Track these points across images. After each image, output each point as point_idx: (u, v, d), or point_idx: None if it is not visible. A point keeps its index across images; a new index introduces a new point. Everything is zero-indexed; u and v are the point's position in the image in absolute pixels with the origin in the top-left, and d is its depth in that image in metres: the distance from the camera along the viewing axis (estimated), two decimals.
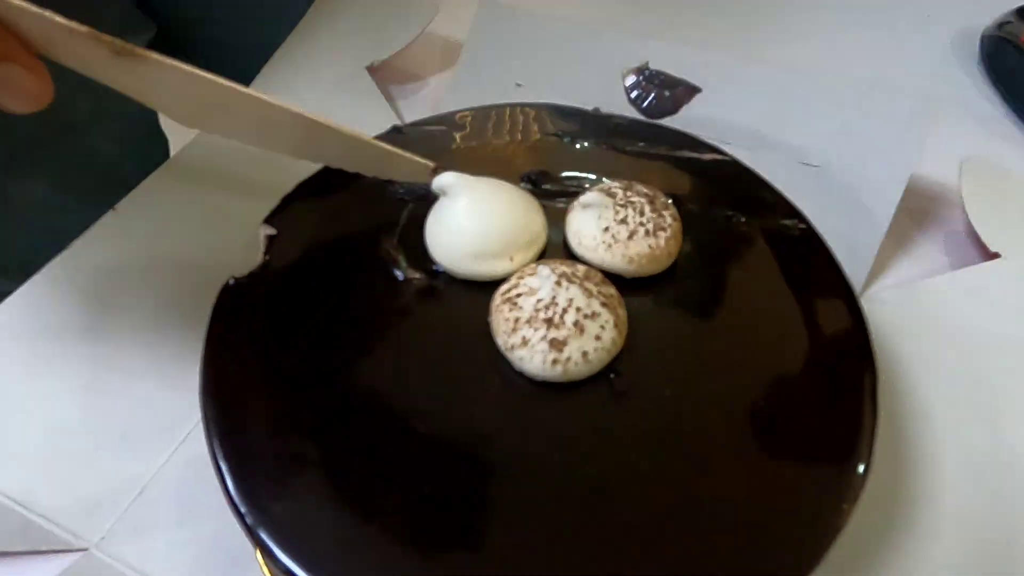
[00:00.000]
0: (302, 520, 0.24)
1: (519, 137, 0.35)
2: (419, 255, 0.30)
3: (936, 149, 0.37)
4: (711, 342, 0.28)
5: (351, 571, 0.23)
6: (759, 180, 0.33)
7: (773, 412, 0.26)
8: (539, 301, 0.26)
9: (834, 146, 0.39)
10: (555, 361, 0.25)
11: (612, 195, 0.29)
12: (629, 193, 0.29)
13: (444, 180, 0.29)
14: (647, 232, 0.28)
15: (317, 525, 0.24)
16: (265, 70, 0.46)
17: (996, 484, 0.30)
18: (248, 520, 0.24)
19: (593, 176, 0.33)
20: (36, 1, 0.20)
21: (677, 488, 0.25)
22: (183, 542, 0.30)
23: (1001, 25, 0.49)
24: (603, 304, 0.26)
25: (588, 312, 0.26)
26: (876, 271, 0.37)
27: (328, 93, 0.45)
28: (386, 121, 0.44)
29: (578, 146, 0.35)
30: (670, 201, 0.30)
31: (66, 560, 0.29)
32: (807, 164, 0.39)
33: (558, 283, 0.26)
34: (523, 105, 0.37)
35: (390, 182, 0.32)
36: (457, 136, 0.35)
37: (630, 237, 0.28)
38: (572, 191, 0.32)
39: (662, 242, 0.29)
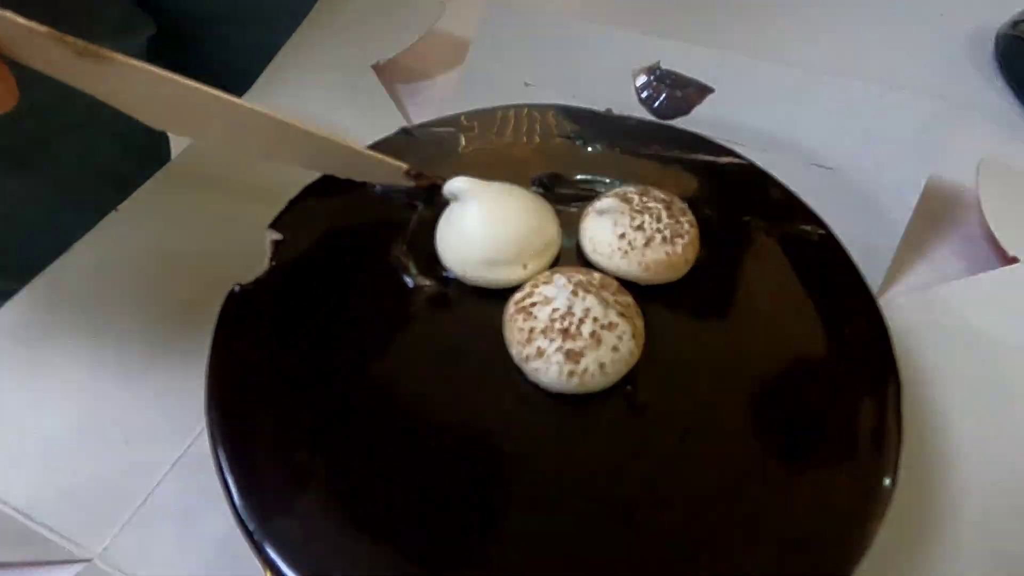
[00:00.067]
0: (310, 535, 0.23)
1: (530, 139, 0.35)
2: (429, 261, 0.29)
3: (951, 150, 0.36)
4: (729, 353, 0.27)
5: None
6: (777, 184, 0.32)
7: (794, 425, 0.25)
8: (555, 311, 0.25)
9: (849, 148, 0.38)
10: (571, 373, 0.25)
11: (628, 200, 0.29)
12: (645, 198, 0.29)
13: (455, 185, 0.28)
14: (664, 239, 0.28)
15: (325, 541, 0.23)
16: (268, 69, 0.46)
17: (1019, 495, 0.30)
18: (255, 536, 0.23)
19: (607, 179, 0.32)
20: None
21: (696, 505, 0.24)
22: (187, 553, 0.29)
23: (1016, 24, 0.48)
24: (620, 314, 0.26)
25: (605, 322, 0.25)
26: (891, 276, 0.37)
27: (333, 92, 0.45)
28: (392, 120, 0.43)
29: (590, 148, 0.34)
30: (687, 206, 0.30)
31: (69, 571, 0.29)
32: (821, 166, 0.38)
33: (574, 292, 0.26)
34: (534, 106, 0.36)
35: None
36: (466, 138, 0.35)
37: (647, 244, 0.28)
38: (585, 195, 0.32)
39: (679, 249, 0.28)
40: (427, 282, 0.29)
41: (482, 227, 0.28)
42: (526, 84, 0.43)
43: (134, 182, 0.41)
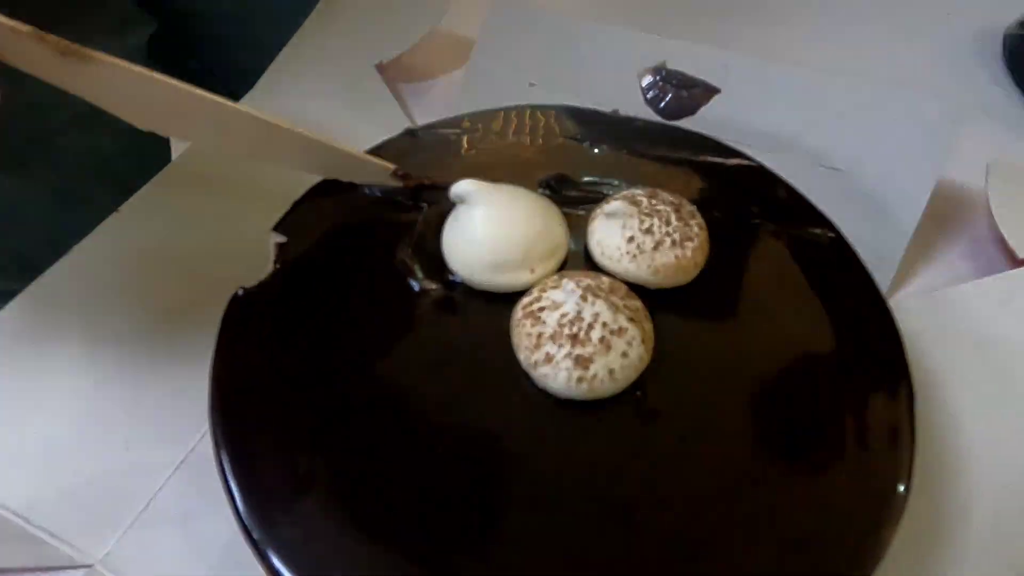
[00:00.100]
0: (313, 541, 0.23)
1: (537, 141, 0.34)
2: (435, 265, 0.29)
3: (960, 151, 0.36)
4: (740, 358, 0.27)
5: None
6: (787, 187, 0.32)
7: (806, 431, 0.25)
8: (563, 316, 0.25)
9: (857, 149, 0.38)
10: (580, 379, 0.25)
11: (637, 203, 0.28)
12: (654, 201, 0.28)
13: (462, 187, 0.28)
14: (673, 242, 0.27)
15: (329, 548, 0.23)
16: (271, 68, 0.46)
17: None
18: (258, 542, 0.23)
19: (614, 182, 0.32)
20: None
21: (707, 511, 0.24)
22: (189, 558, 0.29)
23: None
24: (630, 319, 0.25)
25: (615, 328, 0.25)
26: (900, 278, 0.37)
27: (336, 91, 0.44)
28: (395, 120, 0.43)
29: (597, 150, 0.34)
30: (696, 209, 0.29)
31: None
32: (830, 168, 0.38)
33: (583, 297, 0.25)
34: (539, 107, 0.36)
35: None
36: (472, 139, 0.34)
37: (656, 247, 0.27)
38: (592, 197, 0.31)
39: (689, 252, 0.28)
40: (433, 286, 0.29)
41: (489, 230, 0.28)
42: (531, 84, 0.42)
43: (134, 182, 0.41)
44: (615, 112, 0.36)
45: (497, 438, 0.25)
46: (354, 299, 0.29)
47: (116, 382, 0.33)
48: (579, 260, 0.30)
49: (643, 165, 0.33)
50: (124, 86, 0.23)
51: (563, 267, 0.29)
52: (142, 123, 0.24)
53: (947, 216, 0.39)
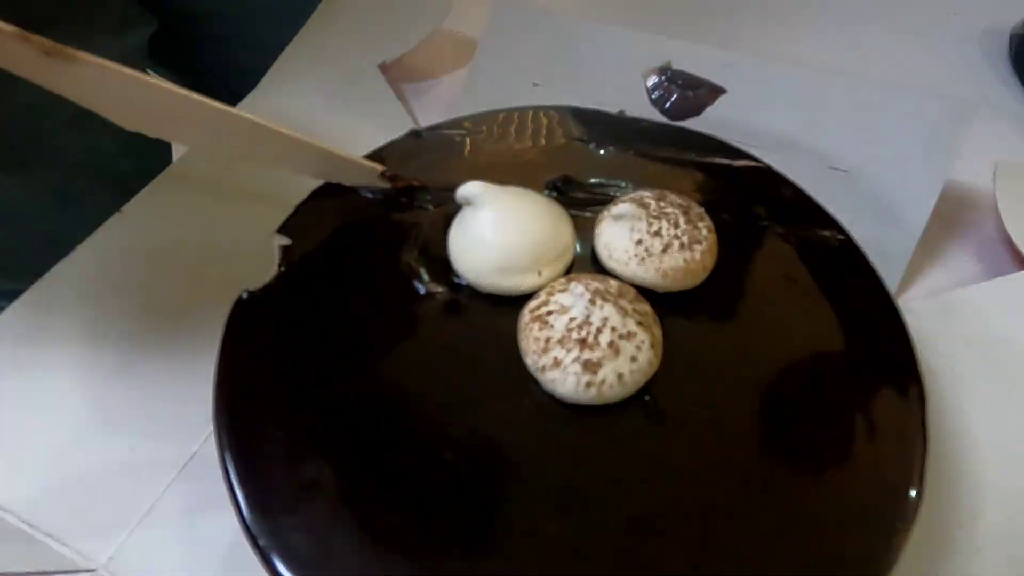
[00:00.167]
0: (318, 546, 0.23)
1: (542, 142, 0.34)
2: (441, 268, 0.29)
3: (966, 152, 0.36)
4: (749, 362, 0.27)
5: None
6: (795, 189, 0.32)
7: (817, 436, 0.25)
8: (572, 320, 0.25)
9: (864, 150, 0.37)
10: (589, 384, 0.24)
11: (645, 206, 0.28)
12: (663, 203, 0.28)
13: (469, 189, 0.28)
14: (682, 245, 0.27)
15: (335, 554, 0.23)
16: (273, 68, 0.45)
17: None
18: (263, 548, 0.23)
19: (621, 183, 0.32)
20: None
21: (717, 517, 0.23)
22: (193, 562, 0.29)
23: None
24: (638, 323, 0.25)
25: (623, 332, 0.25)
26: (907, 280, 0.36)
27: (338, 92, 0.44)
28: (398, 120, 0.43)
29: (603, 152, 0.34)
30: (704, 211, 0.29)
31: None
32: (836, 169, 0.38)
33: (592, 301, 0.25)
34: (545, 108, 0.35)
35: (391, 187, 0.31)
36: (477, 141, 0.34)
37: (664, 250, 0.27)
38: (599, 200, 0.31)
39: (698, 256, 0.27)
40: (439, 289, 0.29)
41: (496, 233, 0.27)
42: (534, 84, 0.42)
43: (134, 182, 0.41)
44: (621, 113, 0.35)
45: (504, 443, 0.25)
46: (359, 302, 0.29)
47: (119, 384, 0.33)
48: (586, 263, 0.30)
49: (650, 166, 0.33)
50: (110, 87, 0.23)
51: (570, 270, 0.29)
52: (129, 124, 0.24)
53: (954, 217, 0.39)
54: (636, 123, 0.35)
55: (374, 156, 0.33)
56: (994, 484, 0.30)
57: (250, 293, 0.28)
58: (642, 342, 0.25)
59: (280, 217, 0.31)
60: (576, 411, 0.25)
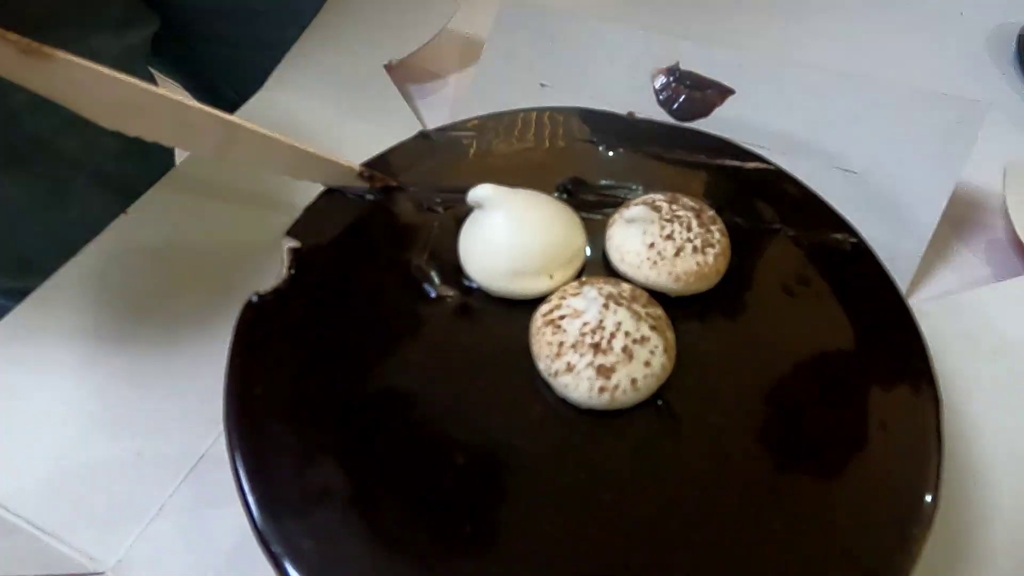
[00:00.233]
0: (329, 550, 0.23)
1: (552, 144, 0.34)
2: (452, 271, 0.29)
3: (975, 153, 0.35)
4: (762, 366, 0.27)
5: None
6: (806, 191, 0.31)
7: (831, 441, 0.25)
8: (585, 324, 0.25)
9: (874, 151, 0.37)
10: (603, 389, 0.24)
11: (657, 209, 0.28)
12: (675, 207, 0.28)
13: (480, 192, 0.27)
14: (695, 249, 0.27)
15: (347, 559, 0.23)
16: (278, 69, 0.45)
17: None
18: (277, 555, 0.23)
19: (632, 186, 0.32)
20: None
21: (731, 522, 0.23)
22: (201, 564, 0.29)
23: None
24: (652, 327, 0.25)
25: (637, 337, 0.24)
26: (916, 282, 0.36)
27: (344, 93, 0.44)
28: (404, 121, 0.43)
29: (613, 154, 0.34)
30: (716, 215, 0.29)
31: None
32: (845, 170, 0.38)
33: (605, 305, 0.25)
34: (554, 109, 0.35)
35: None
36: (486, 142, 0.34)
37: (677, 254, 0.27)
38: (610, 202, 0.31)
39: (710, 259, 0.27)
40: (450, 292, 0.28)
41: (508, 236, 0.27)
42: (542, 85, 0.42)
43: (135, 182, 0.41)
44: (631, 115, 0.35)
45: (515, 448, 0.25)
46: (369, 306, 0.28)
47: (126, 385, 0.33)
48: (596, 266, 0.29)
49: (661, 169, 0.33)
50: (86, 85, 0.23)
51: (581, 274, 0.29)
52: (107, 122, 0.25)
53: (963, 218, 0.39)
54: (646, 125, 0.35)
55: (383, 158, 0.33)
56: (1006, 486, 0.30)
57: (260, 296, 0.28)
58: (656, 347, 0.25)
59: (286, 219, 0.31)
60: (588, 416, 0.25)
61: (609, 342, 0.24)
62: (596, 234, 0.30)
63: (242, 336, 0.27)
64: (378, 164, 0.32)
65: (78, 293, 0.36)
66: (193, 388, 0.32)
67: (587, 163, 0.33)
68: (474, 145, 0.34)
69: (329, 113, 0.43)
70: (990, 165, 0.39)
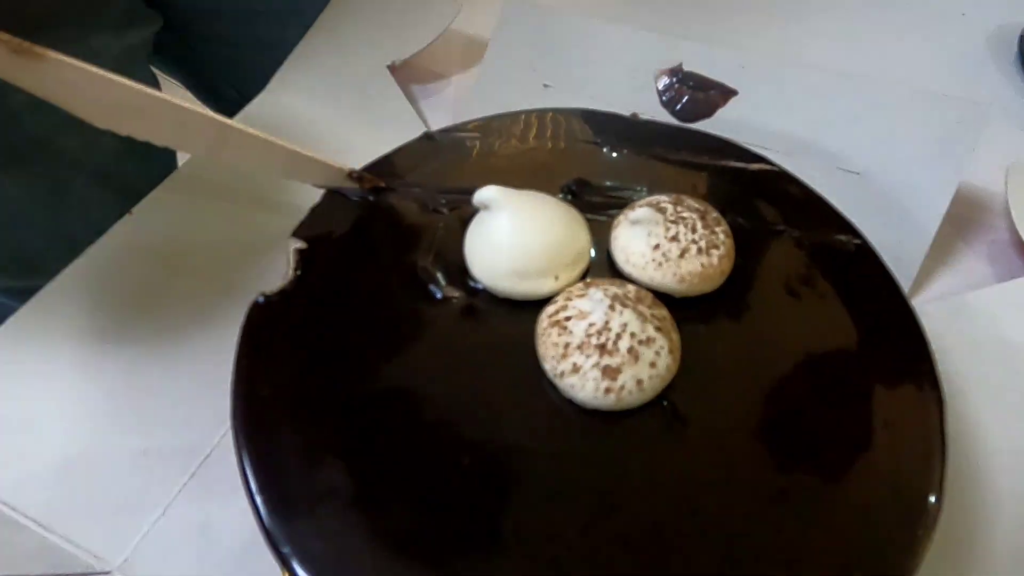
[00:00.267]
0: (337, 550, 0.23)
1: (557, 145, 0.34)
2: (457, 272, 0.29)
3: (977, 154, 0.36)
4: (766, 367, 0.27)
5: None
6: (810, 192, 0.32)
7: (835, 442, 0.25)
8: (591, 325, 0.25)
9: (876, 152, 0.37)
10: (608, 390, 0.24)
11: (662, 210, 0.28)
12: (680, 208, 0.28)
13: (485, 194, 0.28)
14: (699, 250, 0.27)
15: (354, 559, 0.23)
16: (282, 69, 0.45)
17: None
18: (285, 556, 0.23)
19: (636, 187, 0.32)
20: None
21: (736, 523, 0.23)
22: (207, 564, 0.29)
23: None
24: (657, 328, 0.25)
25: (643, 338, 0.25)
26: (918, 283, 0.36)
27: (347, 93, 0.44)
28: (407, 121, 0.43)
29: (616, 155, 0.34)
30: (721, 216, 0.29)
31: None
32: (847, 171, 0.38)
33: (611, 306, 0.25)
34: (558, 110, 0.35)
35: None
36: (490, 143, 0.34)
37: (681, 255, 0.27)
38: (614, 203, 0.31)
39: (715, 260, 0.27)
40: (455, 293, 0.29)
41: (513, 237, 0.27)
42: (545, 85, 0.42)
43: (135, 182, 0.41)
44: (634, 116, 0.35)
45: (521, 448, 0.25)
46: (375, 307, 0.29)
47: (131, 385, 0.33)
48: (601, 268, 0.29)
49: (665, 170, 0.33)
50: (77, 85, 0.23)
51: (586, 275, 0.29)
52: (100, 122, 0.25)
53: (965, 219, 0.39)
54: (649, 126, 0.35)
55: (388, 159, 0.33)
56: (1008, 487, 0.30)
57: (266, 297, 0.28)
58: (661, 347, 0.25)
59: (290, 220, 0.31)
60: (594, 416, 0.25)
61: (615, 343, 0.24)
62: (601, 235, 0.30)
63: (249, 337, 0.27)
64: (383, 165, 0.33)
65: (83, 293, 0.36)
66: (197, 387, 0.32)
67: (591, 164, 0.33)
68: (478, 146, 0.34)
69: (332, 114, 0.43)
70: (992, 166, 0.39)
